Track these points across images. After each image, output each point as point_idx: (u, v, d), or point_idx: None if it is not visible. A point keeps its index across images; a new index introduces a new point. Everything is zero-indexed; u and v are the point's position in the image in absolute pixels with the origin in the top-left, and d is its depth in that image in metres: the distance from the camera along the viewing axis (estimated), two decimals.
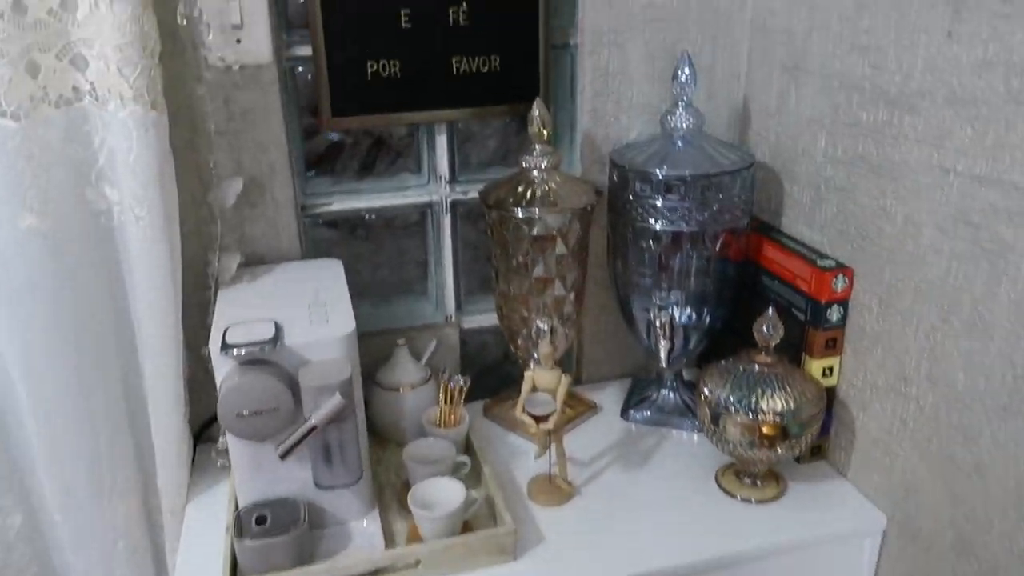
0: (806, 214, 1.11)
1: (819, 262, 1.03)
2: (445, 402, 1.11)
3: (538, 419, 0.96)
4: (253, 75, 1.04)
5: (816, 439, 1.02)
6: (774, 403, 0.95)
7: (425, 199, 1.21)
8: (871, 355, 0.99)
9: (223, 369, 0.87)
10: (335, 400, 0.83)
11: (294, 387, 0.86)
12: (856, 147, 0.99)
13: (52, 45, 0.90)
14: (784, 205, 1.16)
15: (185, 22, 0.94)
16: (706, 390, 1.00)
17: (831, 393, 1.04)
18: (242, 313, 0.93)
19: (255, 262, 1.13)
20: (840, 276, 1.01)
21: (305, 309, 0.95)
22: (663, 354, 1.09)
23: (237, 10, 1.00)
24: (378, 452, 1.11)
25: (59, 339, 0.96)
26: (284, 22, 1.07)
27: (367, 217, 1.21)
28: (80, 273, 0.97)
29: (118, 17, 0.85)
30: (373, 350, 1.16)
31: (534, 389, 0.99)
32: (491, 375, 1.34)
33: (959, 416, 0.87)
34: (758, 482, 1.03)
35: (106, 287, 1.01)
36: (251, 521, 0.88)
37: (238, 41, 1.02)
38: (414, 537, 0.94)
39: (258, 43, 1.03)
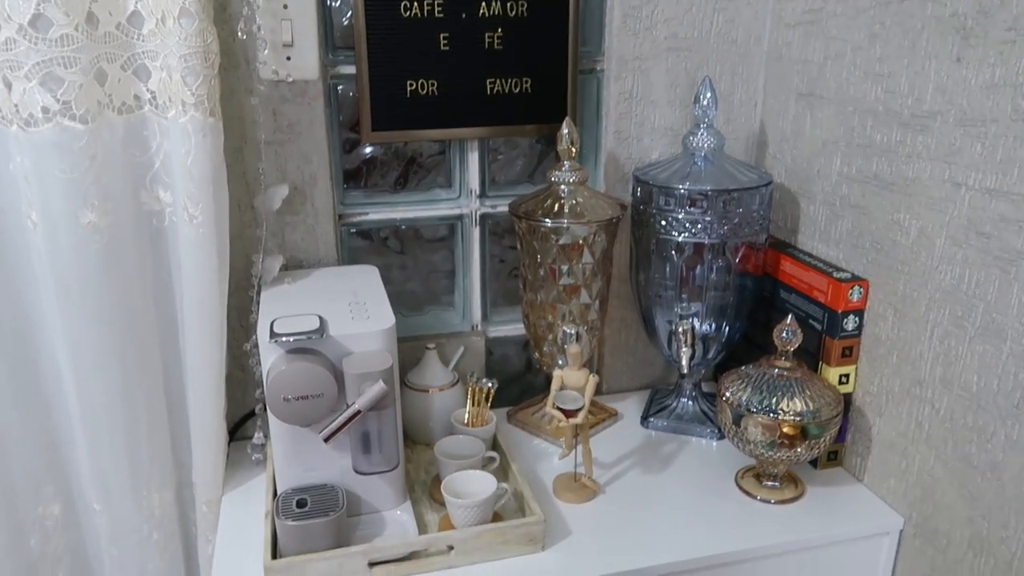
0: (822, 231, 1.16)
1: (835, 274, 1.08)
2: (473, 404, 1.15)
3: (567, 414, 1.00)
4: (301, 90, 1.11)
5: (833, 443, 1.06)
6: (794, 404, 0.99)
7: (456, 212, 1.26)
8: (886, 362, 1.03)
9: (270, 358, 0.91)
10: (378, 386, 0.87)
11: (338, 376, 0.90)
12: (870, 166, 1.05)
13: (118, 56, 0.97)
14: (800, 223, 1.21)
15: (244, 37, 1.00)
16: (727, 393, 1.04)
17: (847, 400, 1.08)
18: (286, 309, 0.98)
19: (294, 266, 1.18)
20: (856, 287, 1.06)
21: (346, 307, 1.00)
22: (684, 361, 1.13)
23: (289, 29, 1.07)
24: (407, 451, 1.15)
25: (107, 333, 1.00)
26: (330, 42, 1.14)
27: (401, 228, 1.26)
28: (131, 270, 1.02)
29: (185, 30, 0.92)
30: (403, 354, 1.20)
31: (563, 387, 1.03)
32: (514, 385, 1.38)
33: (974, 417, 0.91)
34: (778, 483, 1.06)
35: (153, 285, 1.06)
36: (292, 504, 0.91)
37: (288, 59, 1.08)
38: (445, 527, 0.97)
39: (306, 60, 1.09)
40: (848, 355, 1.08)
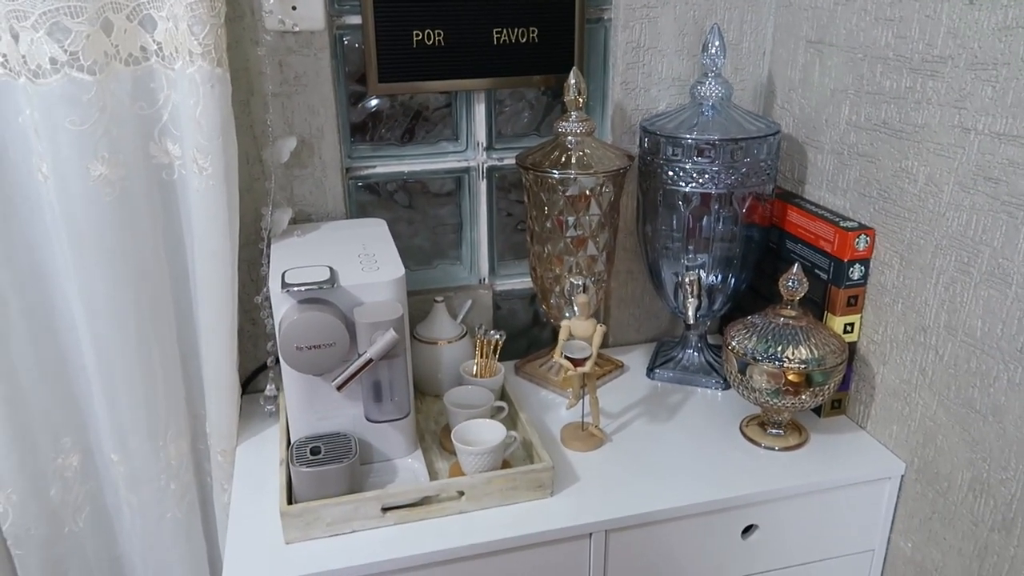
0: (829, 180, 1.16)
1: (842, 223, 1.08)
2: (481, 356, 1.16)
3: (575, 363, 1.01)
4: (307, 40, 1.10)
5: (836, 391, 1.07)
6: (799, 353, 1.00)
7: (463, 164, 1.26)
8: (891, 310, 1.04)
9: (282, 308, 0.92)
10: (389, 335, 0.88)
11: (349, 325, 0.91)
12: (879, 114, 1.04)
13: (124, 6, 0.96)
14: (807, 173, 1.21)
15: None
16: (733, 342, 1.05)
17: (852, 349, 1.09)
18: (297, 261, 0.99)
19: (302, 220, 1.18)
20: (863, 236, 1.06)
21: (356, 258, 1.00)
22: (691, 311, 1.14)
23: None
24: (417, 403, 1.16)
25: (120, 286, 1.01)
26: None
27: (408, 182, 1.26)
28: (143, 224, 1.03)
29: None
30: (411, 308, 1.21)
31: (570, 337, 1.04)
32: (520, 338, 1.39)
33: (977, 362, 0.92)
34: (782, 431, 1.08)
35: (164, 238, 1.07)
36: (306, 452, 0.93)
37: (294, 8, 1.08)
38: (456, 474, 0.99)
39: (312, 10, 1.08)
40: (853, 304, 1.08)
